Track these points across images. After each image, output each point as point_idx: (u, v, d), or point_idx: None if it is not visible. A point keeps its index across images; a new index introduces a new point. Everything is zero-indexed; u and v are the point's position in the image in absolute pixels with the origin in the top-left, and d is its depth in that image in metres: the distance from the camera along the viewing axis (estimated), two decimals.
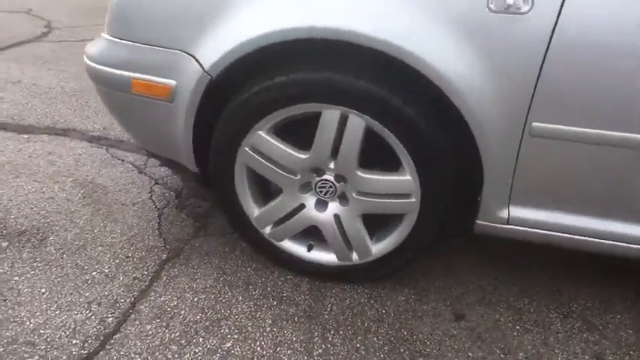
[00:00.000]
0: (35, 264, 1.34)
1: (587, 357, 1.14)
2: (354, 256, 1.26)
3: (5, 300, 1.20)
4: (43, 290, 1.25)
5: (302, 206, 1.22)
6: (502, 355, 1.14)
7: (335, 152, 1.10)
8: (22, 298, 1.21)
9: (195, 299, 1.25)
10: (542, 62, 0.89)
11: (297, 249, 1.30)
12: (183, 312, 1.21)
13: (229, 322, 1.18)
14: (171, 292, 1.27)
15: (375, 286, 1.32)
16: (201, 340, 1.13)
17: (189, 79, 1.11)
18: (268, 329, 1.17)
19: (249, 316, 1.21)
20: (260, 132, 1.11)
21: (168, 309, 1.21)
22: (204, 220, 1.58)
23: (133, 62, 1.18)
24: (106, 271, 1.33)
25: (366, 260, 1.25)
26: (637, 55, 0.84)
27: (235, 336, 1.15)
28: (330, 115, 1.04)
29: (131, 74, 1.19)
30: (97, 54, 1.26)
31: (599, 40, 0.85)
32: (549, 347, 1.16)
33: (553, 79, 0.89)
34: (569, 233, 1.07)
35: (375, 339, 1.16)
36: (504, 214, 1.10)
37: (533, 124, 0.95)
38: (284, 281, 1.33)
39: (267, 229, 1.28)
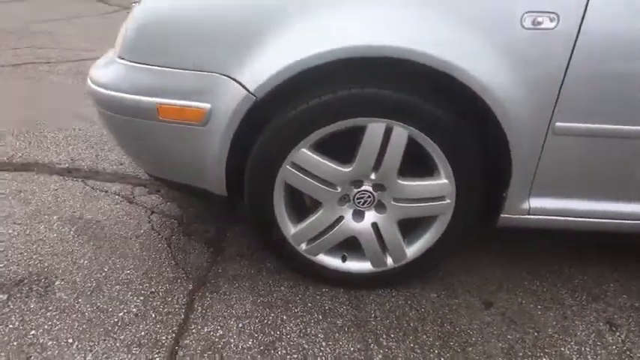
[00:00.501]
0: (49, 313, 1.21)
1: (601, 324, 1.31)
2: (389, 261, 1.32)
3: (30, 358, 1.08)
4: (71, 340, 1.14)
5: (341, 218, 1.26)
6: (535, 334, 1.26)
7: (377, 163, 1.15)
8: (50, 353, 1.10)
9: (240, 325, 1.22)
10: (566, 71, 1.03)
11: (333, 261, 1.33)
12: (232, 340, 1.18)
13: (283, 343, 1.18)
14: (213, 321, 1.23)
15: (407, 289, 1.39)
16: None
17: (228, 102, 1.10)
18: (324, 344, 1.19)
19: (301, 334, 1.21)
20: (303, 149, 1.14)
21: (216, 339, 1.17)
22: (218, 245, 1.55)
23: (160, 88, 1.14)
24: (134, 310, 1.25)
25: (400, 264, 1.32)
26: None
27: (295, 355, 1.14)
28: (376, 129, 1.10)
29: (157, 100, 1.15)
30: (111, 81, 1.20)
31: (613, 51, 1.01)
32: (569, 320, 1.32)
33: (574, 85, 1.04)
34: (582, 217, 1.24)
35: (424, 337, 1.23)
36: (526, 205, 1.24)
37: (557, 124, 1.09)
38: (321, 295, 1.35)
39: (303, 246, 1.30)
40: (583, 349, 1.21)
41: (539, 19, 1.00)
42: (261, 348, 1.16)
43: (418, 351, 1.18)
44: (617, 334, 1.27)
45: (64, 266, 1.38)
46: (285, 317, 1.26)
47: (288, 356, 1.14)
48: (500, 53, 1.01)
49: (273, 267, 1.44)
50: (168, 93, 1.14)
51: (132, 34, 1.15)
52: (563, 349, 1.21)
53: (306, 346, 1.17)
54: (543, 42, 1.01)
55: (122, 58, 1.19)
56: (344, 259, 1.34)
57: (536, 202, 1.24)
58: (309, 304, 1.31)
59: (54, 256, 1.42)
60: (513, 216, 1.26)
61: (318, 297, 1.34)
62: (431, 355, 1.17)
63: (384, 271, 1.34)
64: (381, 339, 1.21)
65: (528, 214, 1.26)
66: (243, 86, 1.07)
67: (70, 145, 2.13)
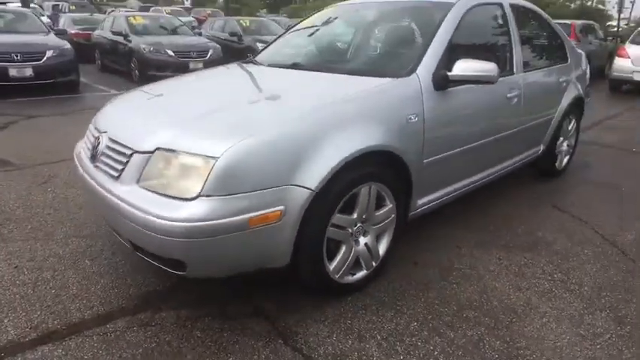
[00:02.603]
0: None
1: (499, 257, 2.64)
2: (374, 262, 2.25)
3: None
4: None
5: (351, 248, 2.10)
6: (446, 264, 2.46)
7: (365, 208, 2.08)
8: None
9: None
10: (423, 137, 2.26)
11: (350, 278, 2.15)
12: None
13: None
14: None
15: (385, 278, 2.34)
16: None
17: (296, 200, 1.78)
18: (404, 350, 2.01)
19: (393, 334, 1.98)
20: (337, 213, 1.95)
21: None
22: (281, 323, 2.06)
23: (247, 207, 1.70)
24: None
25: (379, 262, 2.27)
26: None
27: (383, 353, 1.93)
28: (368, 188, 2.03)
29: (248, 215, 1.71)
30: (204, 214, 1.64)
31: (441, 127, 2.31)
32: (475, 257, 2.59)
33: (427, 144, 2.29)
34: (438, 200, 2.53)
35: (443, 318, 2.23)
36: (416, 204, 2.43)
37: (424, 161, 2.32)
38: (349, 302, 2.13)
39: (336, 275, 2.07)
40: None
41: (411, 118, 2.19)
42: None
43: (447, 328, 2.17)
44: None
45: None
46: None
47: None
48: (401, 135, 2.14)
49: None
50: (255, 208, 1.72)
51: (220, 180, 1.66)
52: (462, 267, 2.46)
53: (398, 347, 1.97)
54: (414, 127, 2.21)
55: (209, 196, 1.67)
56: (353, 275, 2.18)
57: (420, 201, 2.45)
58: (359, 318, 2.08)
59: None
60: (413, 212, 2.43)
61: (350, 306, 2.12)
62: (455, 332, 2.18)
63: (371, 271, 2.25)
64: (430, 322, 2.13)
65: (417, 209, 2.45)
66: (307, 187, 1.80)
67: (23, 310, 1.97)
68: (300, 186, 1.80)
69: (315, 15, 3.48)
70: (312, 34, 3.20)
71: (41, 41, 7.34)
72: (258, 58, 3.19)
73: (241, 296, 2.15)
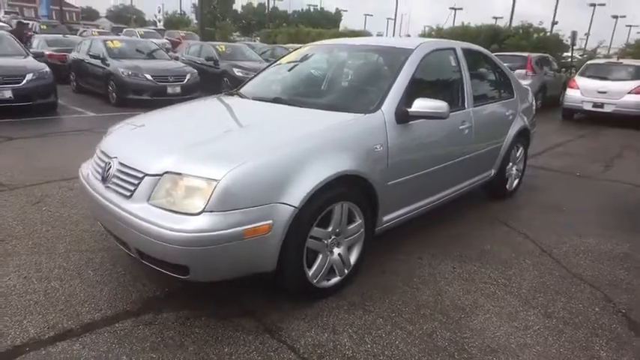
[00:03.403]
0: None
1: (452, 261, 3.09)
2: (346, 270, 2.66)
3: None
4: None
5: (327, 257, 2.51)
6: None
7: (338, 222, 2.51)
8: None
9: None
10: (387, 162, 2.72)
11: (326, 283, 2.55)
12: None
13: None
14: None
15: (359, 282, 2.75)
16: None
17: (282, 215, 2.19)
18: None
19: (362, 328, 2.38)
20: (315, 226, 2.36)
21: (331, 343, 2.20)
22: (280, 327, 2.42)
23: (244, 219, 2.09)
24: None
25: (350, 270, 2.68)
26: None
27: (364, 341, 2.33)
28: (341, 206, 2.46)
29: (243, 227, 2.10)
30: (207, 226, 2.02)
31: (403, 154, 2.78)
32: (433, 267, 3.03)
33: (390, 168, 2.75)
34: (402, 217, 2.98)
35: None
36: (382, 220, 2.87)
37: (388, 183, 2.77)
38: (325, 304, 2.52)
39: (314, 280, 2.46)
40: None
41: (377, 147, 2.65)
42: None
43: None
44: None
45: None
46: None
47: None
48: (368, 162, 2.60)
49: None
50: (249, 221, 2.11)
51: (221, 198, 2.05)
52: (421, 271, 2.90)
53: (367, 339, 2.37)
54: (379, 155, 2.67)
55: (211, 211, 2.05)
56: (328, 280, 2.58)
57: (385, 217, 2.89)
58: (337, 316, 2.48)
59: None
60: (379, 227, 2.87)
61: (327, 309, 2.51)
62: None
63: (344, 278, 2.66)
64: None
65: (384, 224, 2.90)
66: (291, 205, 2.21)
67: None
68: (285, 204, 2.20)
69: (294, 53, 3.96)
70: (291, 69, 3.67)
71: (21, 64, 7.56)
72: (243, 90, 3.62)
73: (231, 299, 2.51)
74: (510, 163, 4.34)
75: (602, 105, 9.44)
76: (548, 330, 2.43)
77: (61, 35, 14.76)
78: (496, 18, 35.72)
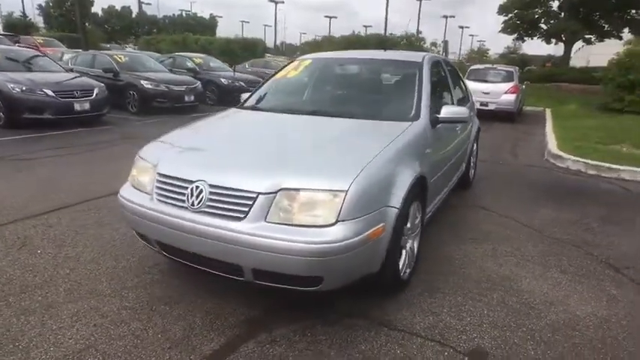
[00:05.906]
0: None
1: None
2: (412, 263, 3.02)
3: None
4: None
5: (406, 251, 2.85)
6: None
7: None
8: None
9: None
10: (431, 160, 3.17)
11: (405, 276, 2.88)
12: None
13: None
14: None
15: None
16: None
17: (390, 217, 2.47)
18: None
19: (452, 305, 2.74)
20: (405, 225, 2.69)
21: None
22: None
23: (367, 225, 2.32)
24: None
25: (415, 261, 3.06)
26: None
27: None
28: (415, 205, 2.82)
29: (367, 232, 2.33)
30: (342, 235, 2.21)
31: (436, 151, 3.24)
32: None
33: (432, 165, 3.20)
34: (434, 206, 3.45)
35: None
36: (425, 214, 3.31)
37: (431, 180, 3.22)
38: (407, 294, 2.85)
39: (401, 274, 2.78)
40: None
41: (427, 150, 3.07)
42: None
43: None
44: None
45: None
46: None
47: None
48: (424, 163, 3.01)
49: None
50: (369, 226, 2.35)
51: (350, 207, 2.25)
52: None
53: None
54: (428, 157, 3.10)
55: (344, 220, 2.25)
56: (404, 273, 2.92)
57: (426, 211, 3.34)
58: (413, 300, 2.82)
59: None
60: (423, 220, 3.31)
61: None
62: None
63: (412, 269, 3.02)
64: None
65: (424, 217, 3.34)
66: (394, 207, 2.50)
67: None
68: (391, 206, 2.49)
69: (295, 66, 4.15)
70: (307, 83, 3.91)
71: (85, 80, 8.79)
72: (261, 105, 3.73)
73: (325, 308, 2.67)
74: (472, 157, 5.15)
75: (487, 104, 11.25)
76: (572, 282, 3.13)
77: None
78: (366, 26, 39.73)
